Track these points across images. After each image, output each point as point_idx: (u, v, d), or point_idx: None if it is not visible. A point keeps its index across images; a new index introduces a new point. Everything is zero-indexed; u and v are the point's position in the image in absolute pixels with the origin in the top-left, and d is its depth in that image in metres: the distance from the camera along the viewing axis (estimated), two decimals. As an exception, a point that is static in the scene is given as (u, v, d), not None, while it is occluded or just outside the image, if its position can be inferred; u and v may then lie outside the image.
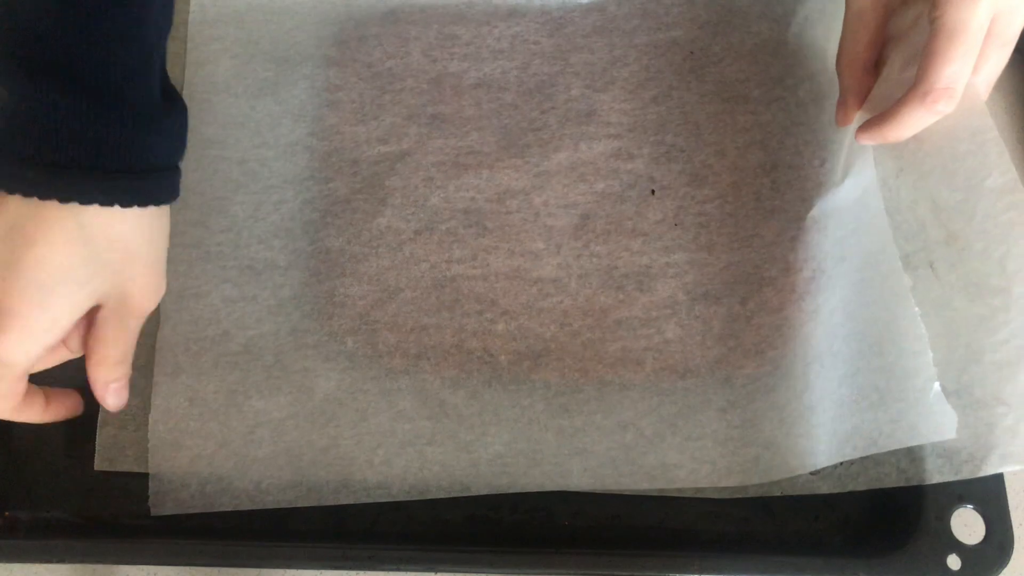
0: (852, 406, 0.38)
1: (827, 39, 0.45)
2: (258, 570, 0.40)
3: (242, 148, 0.45)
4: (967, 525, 0.38)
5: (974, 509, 0.38)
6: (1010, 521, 0.38)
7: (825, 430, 0.38)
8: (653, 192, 0.44)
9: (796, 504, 0.40)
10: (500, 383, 0.41)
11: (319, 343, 0.42)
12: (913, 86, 0.35)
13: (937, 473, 0.37)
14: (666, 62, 0.47)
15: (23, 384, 0.34)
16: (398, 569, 0.38)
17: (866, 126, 0.38)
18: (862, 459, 0.39)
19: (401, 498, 0.39)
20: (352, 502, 0.39)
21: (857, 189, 0.41)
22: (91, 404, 0.37)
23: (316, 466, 0.40)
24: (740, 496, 0.40)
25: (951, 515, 0.38)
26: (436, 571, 0.38)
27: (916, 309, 0.37)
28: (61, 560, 0.39)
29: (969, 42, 0.34)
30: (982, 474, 0.36)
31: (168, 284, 0.37)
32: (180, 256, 0.42)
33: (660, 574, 0.38)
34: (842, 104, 0.40)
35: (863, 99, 0.39)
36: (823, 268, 0.41)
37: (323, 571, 0.40)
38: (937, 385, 0.37)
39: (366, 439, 0.40)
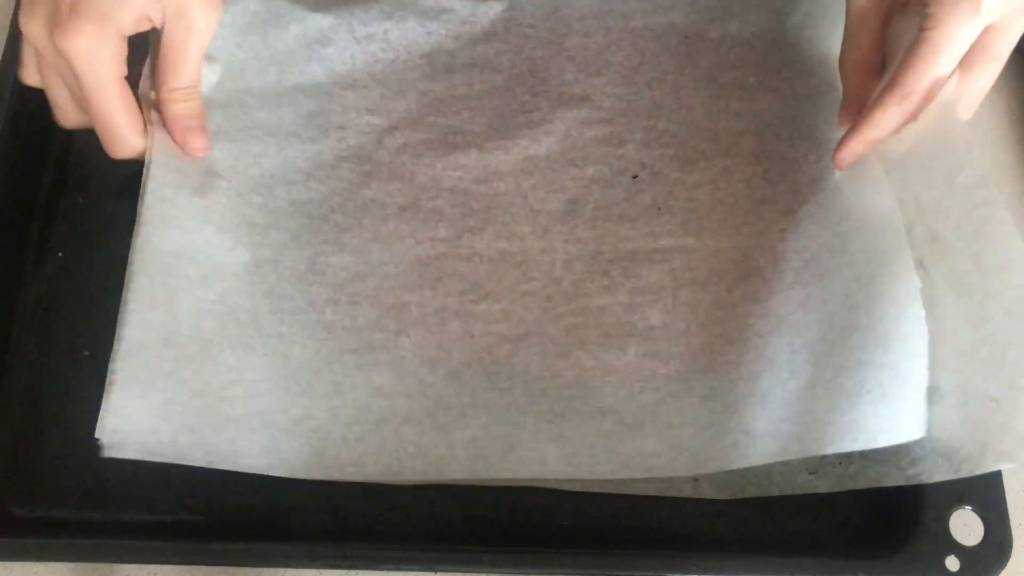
0: (855, 398, 0.37)
1: (828, 39, 0.45)
2: (258, 570, 0.40)
3: (225, 89, 0.44)
4: (966, 526, 0.38)
5: (973, 510, 0.38)
6: (1009, 522, 0.38)
7: (816, 418, 0.37)
8: (635, 176, 0.44)
9: (795, 505, 0.40)
10: (480, 365, 0.41)
11: (296, 310, 0.41)
12: (889, 87, 0.36)
13: (937, 472, 0.37)
14: (661, 46, 0.47)
15: (124, 86, 0.37)
16: (397, 569, 0.38)
17: (842, 144, 0.38)
18: (862, 458, 0.39)
19: (375, 479, 0.39)
20: (325, 479, 0.38)
21: (864, 188, 0.41)
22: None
23: (290, 436, 0.39)
24: (739, 496, 0.40)
25: (950, 516, 0.38)
26: (435, 571, 0.38)
27: (922, 311, 0.37)
28: (61, 559, 0.39)
29: (954, 54, 0.35)
30: (980, 472, 0.36)
31: (142, 216, 0.37)
32: (157, 191, 0.39)
33: (659, 574, 0.38)
34: (846, 107, 0.40)
35: (867, 102, 0.39)
36: (817, 258, 0.41)
37: (322, 571, 0.40)
38: (925, 388, 0.37)
39: (341, 413, 0.40)
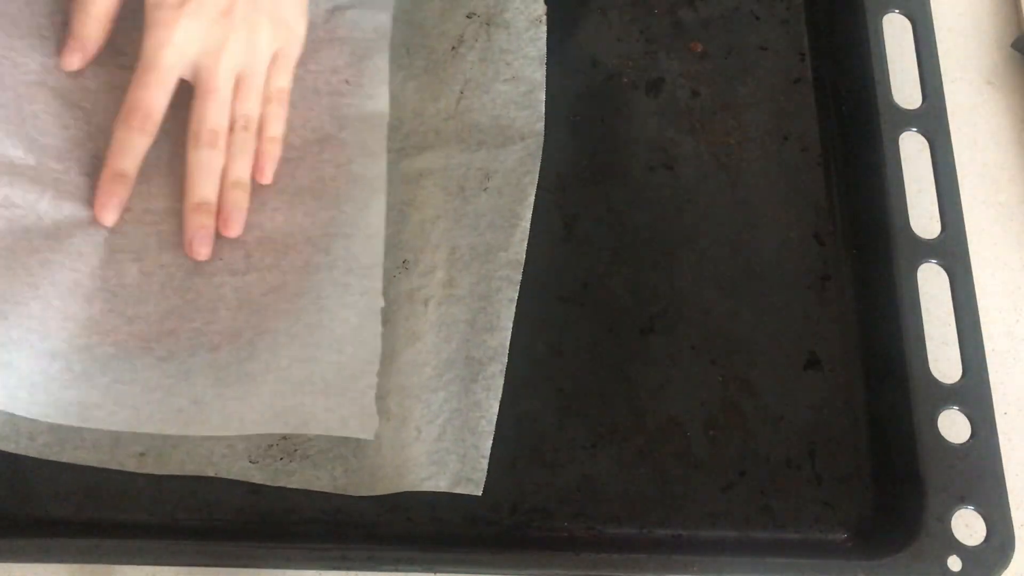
0: (298, 387, 0.39)
1: None
2: (257, 570, 0.40)
3: None
4: (968, 526, 0.38)
5: (975, 510, 0.38)
6: (1011, 521, 0.38)
7: (262, 400, 0.39)
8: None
9: (795, 505, 0.40)
10: None
11: None
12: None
13: (361, 486, 0.39)
14: None
15: None
16: (396, 570, 0.38)
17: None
18: (302, 459, 0.39)
19: None
20: None
21: (360, 201, 0.43)
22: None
23: None
24: (177, 474, 0.39)
25: (952, 516, 0.38)
26: (435, 572, 0.38)
27: (379, 328, 0.40)
28: (61, 560, 0.39)
29: (159, 75, 0.41)
30: (384, 493, 0.38)
31: None
32: None
33: (659, 575, 0.38)
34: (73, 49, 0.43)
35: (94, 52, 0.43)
36: (301, 250, 0.42)
37: (322, 571, 0.40)
38: (373, 393, 0.39)
39: None
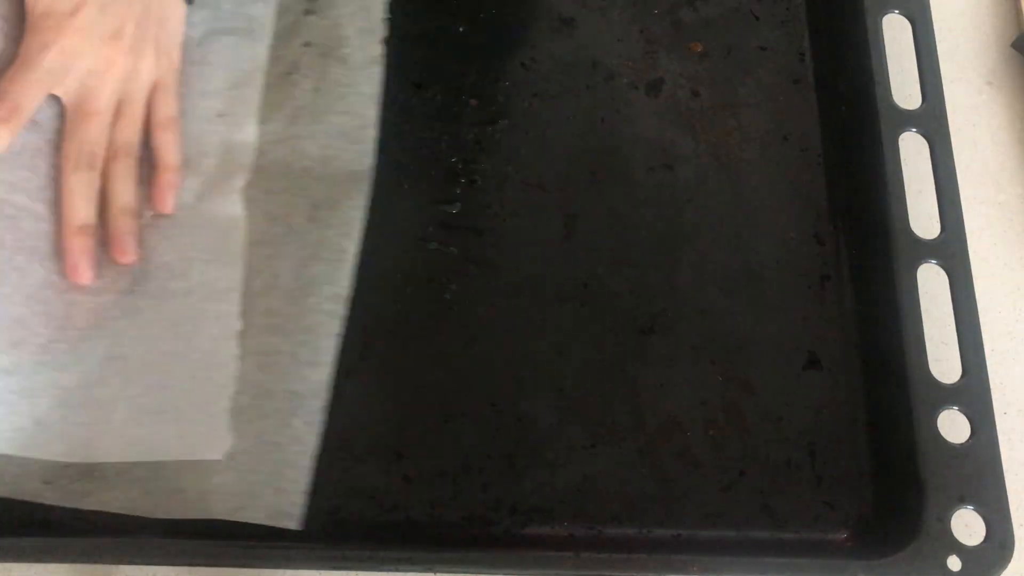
0: (151, 416, 0.39)
1: None
2: (257, 570, 0.40)
3: None
4: (967, 526, 0.38)
5: (975, 510, 0.38)
6: (1011, 521, 0.38)
7: (111, 428, 0.39)
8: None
9: (795, 505, 0.40)
10: None
11: None
12: None
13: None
14: None
15: None
16: (396, 570, 0.38)
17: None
18: (99, 481, 0.39)
19: None
20: None
21: (219, 227, 0.42)
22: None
23: None
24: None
25: (951, 516, 0.38)
26: (435, 571, 0.38)
27: (237, 351, 0.40)
28: (61, 560, 0.39)
29: (38, 75, 0.40)
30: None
31: None
32: None
33: (659, 575, 0.38)
34: None
35: None
36: (157, 276, 0.41)
37: (322, 571, 0.40)
38: (226, 416, 0.39)
39: None
